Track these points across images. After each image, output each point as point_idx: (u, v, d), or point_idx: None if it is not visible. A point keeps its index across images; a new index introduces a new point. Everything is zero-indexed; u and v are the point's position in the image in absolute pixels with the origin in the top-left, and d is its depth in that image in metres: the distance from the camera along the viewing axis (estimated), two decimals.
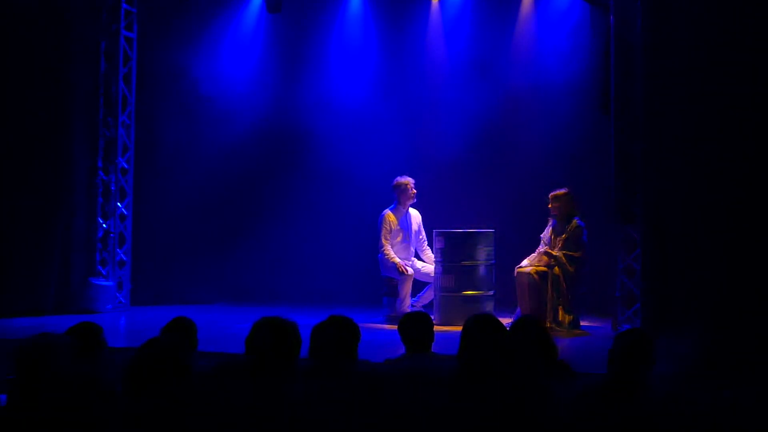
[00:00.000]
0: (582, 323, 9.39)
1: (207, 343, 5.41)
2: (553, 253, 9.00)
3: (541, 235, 9.33)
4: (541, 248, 9.18)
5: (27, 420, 3.44)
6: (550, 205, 9.19)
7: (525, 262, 9.17)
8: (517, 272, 9.12)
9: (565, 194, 9.13)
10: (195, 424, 3.42)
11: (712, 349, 7.43)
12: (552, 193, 9.18)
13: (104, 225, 10.93)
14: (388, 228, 9.80)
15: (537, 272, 8.97)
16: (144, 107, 11.40)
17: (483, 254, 9.54)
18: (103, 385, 3.71)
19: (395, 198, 9.91)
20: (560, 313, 8.91)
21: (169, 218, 11.64)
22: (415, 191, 9.86)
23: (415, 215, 10.03)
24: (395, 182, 9.90)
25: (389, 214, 9.83)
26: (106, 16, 10.90)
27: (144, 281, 11.37)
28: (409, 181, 9.86)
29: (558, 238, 9.11)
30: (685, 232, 8.74)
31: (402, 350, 4.94)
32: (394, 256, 9.71)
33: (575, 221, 9.05)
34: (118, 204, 11.05)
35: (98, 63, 10.87)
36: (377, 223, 9.89)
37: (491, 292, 9.56)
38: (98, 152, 10.87)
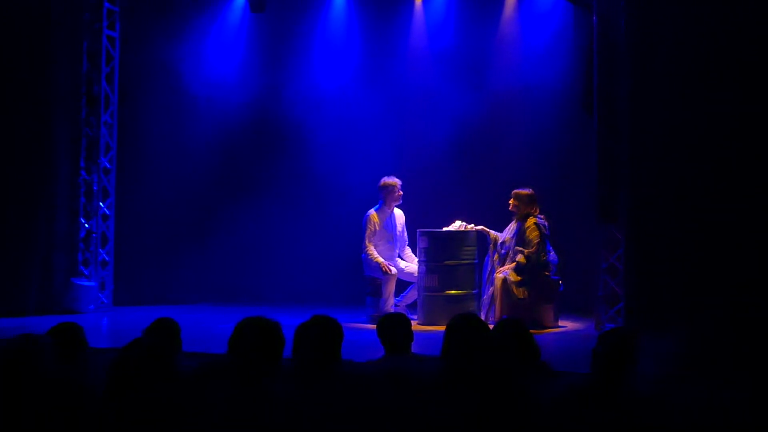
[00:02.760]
0: (565, 323, 9.44)
1: (190, 344, 5.38)
2: (519, 259, 9.20)
3: (500, 235, 9.52)
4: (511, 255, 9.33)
5: (9, 421, 3.42)
6: (510, 201, 9.34)
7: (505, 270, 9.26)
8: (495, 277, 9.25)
9: (527, 194, 9.35)
10: (178, 425, 3.40)
11: (695, 349, 7.47)
12: (515, 191, 9.39)
13: (86, 225, 10.88)
14: (373, 229, 9.78)
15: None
16: (127, 107, 11.35)
17: (466, 254, 9.56)
18: (86, 386, 3.69)
19: (381, 198, 9.89)
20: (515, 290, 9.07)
21: (152, 218, 11.60)
22: (401, 193, 9.84)
23: (399, 215, 10.02)
24: (382, 182, 9.86)
25: (374, 215, 9.81)
26: (88, 15, 10.84)
27: (127, 281, 11.32)
28: (396, 182, 9.83)
29: (518, 236, 9.31)
30: (668, 232, 8.78)
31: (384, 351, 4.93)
32: (378, 256, 9.70)
33: (532, 219, 9.21)
34: (101, 204, 11.00)
35: (80, 62, 10.81)
36: (362, 223, 9.88)
37: (475, 292, 9.58)
38: (80, 152, 10.81)
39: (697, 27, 8.65)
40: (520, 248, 9.19)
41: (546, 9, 11.27)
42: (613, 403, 3.73)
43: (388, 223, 9.88)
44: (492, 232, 9.59)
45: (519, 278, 9.09)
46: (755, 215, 8.31)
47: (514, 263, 9.17)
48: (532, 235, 9.17)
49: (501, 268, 9.29)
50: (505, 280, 9.09)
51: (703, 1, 8.69)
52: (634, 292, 8.97)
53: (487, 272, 9.49)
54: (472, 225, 9.67)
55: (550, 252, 9.31)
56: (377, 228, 9.79)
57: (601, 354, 3.91)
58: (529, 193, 9.35)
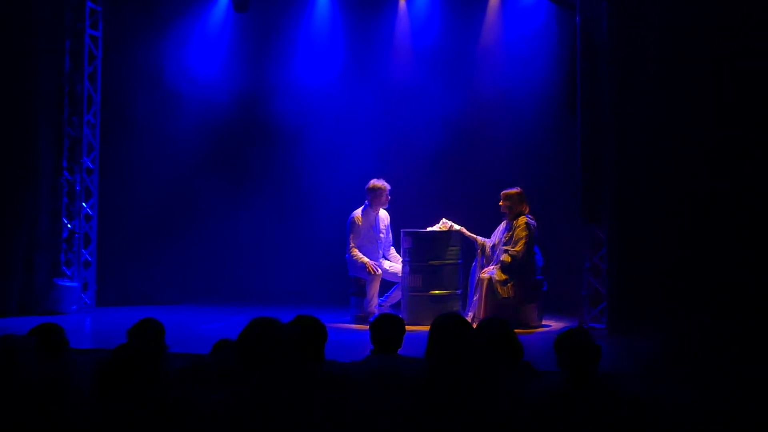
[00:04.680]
0: (549, 322, 9.46)
1: (174, 345, 5.36)
2: (504, 259, 9.18)
3: (489, 240, 9.50)
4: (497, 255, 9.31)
5: None
6: (501, 203, 9.35)
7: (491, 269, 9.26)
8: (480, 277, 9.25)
9: (516, 193, 9.33)
10: (163, 425, 3.40)
11: (677, 348, 7.50)
12: (504, 192, 9.37)
13: (69, 225, 10.82)
14: (357, 231, 9.76)
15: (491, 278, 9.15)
16: (110, 106, 11.30)
17: (450, 254, 9.56)
18: (67, 386, 3.68)
19: (367, 200, 9.86)
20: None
21: (135, 218, 11.56)
22: (389, 198, 9.81)
23: (383, 216, 9.99)
24: (371, 185, 9.80)
25: (358, 217, 9.78)
26: (70, 15, 10.78)
27: (110, 282, 11.28)
28: (385, 186, 9.77)
29: (507, 234, 9.28)
30: (651, 231, 8.81)
31: (368, 351, 4.93)
32: (362, 256, 9.69)
33: (523, 218, 9.19)
34: (83, 204, 10.94)
35: (63, 62, 10.75)
36: (346, 223, 9.86)
37: (458, 292, 9.59)
38: (63, 152, 10.75)
39: (679, 27, 8.69)
40: (507, 247, 9.20)
41: (529, 9, 11.30)
42: (592, 401, 3.74)
43: (373, 224, 9.86)
44: (479, 238, 9.56)
45: (504, 277, 9.09)
46: (739, 215, 8.35)
47: (500, 263, 9.19)
48: (522, 234, 9.17)
49: (487, 268, 9.29)
50: (490, 280, 9.09)
51: (685, 1, 8.72)
52: (617, 292, 9.00)
53: (476, 279, 9.44)
54: (459, 226, 9.64)
55: (536, 254, 9.33)
56: (362, 229, 9.78)
57: (565, 359, 3.96)
58: (518, 191, 9.34)
